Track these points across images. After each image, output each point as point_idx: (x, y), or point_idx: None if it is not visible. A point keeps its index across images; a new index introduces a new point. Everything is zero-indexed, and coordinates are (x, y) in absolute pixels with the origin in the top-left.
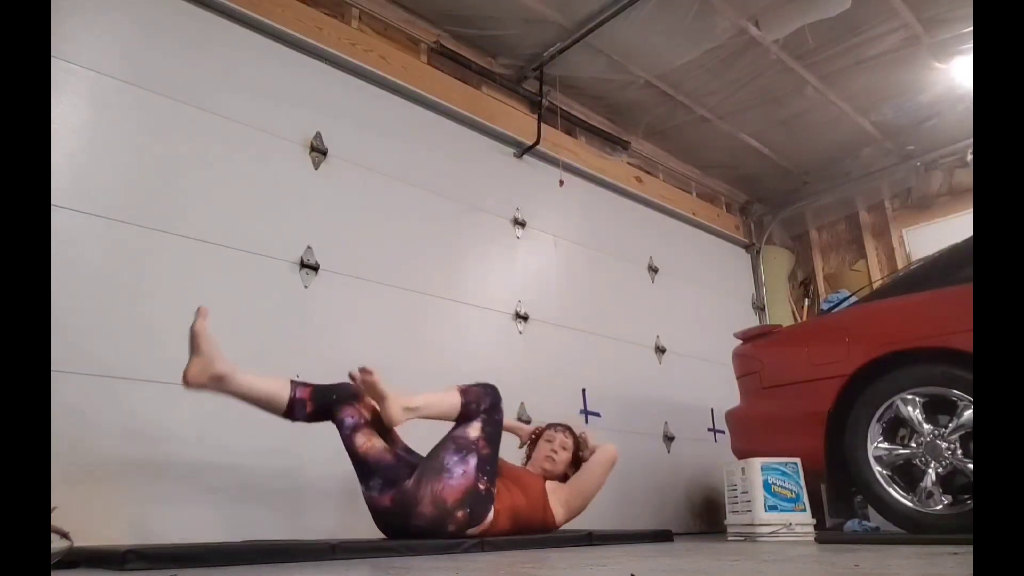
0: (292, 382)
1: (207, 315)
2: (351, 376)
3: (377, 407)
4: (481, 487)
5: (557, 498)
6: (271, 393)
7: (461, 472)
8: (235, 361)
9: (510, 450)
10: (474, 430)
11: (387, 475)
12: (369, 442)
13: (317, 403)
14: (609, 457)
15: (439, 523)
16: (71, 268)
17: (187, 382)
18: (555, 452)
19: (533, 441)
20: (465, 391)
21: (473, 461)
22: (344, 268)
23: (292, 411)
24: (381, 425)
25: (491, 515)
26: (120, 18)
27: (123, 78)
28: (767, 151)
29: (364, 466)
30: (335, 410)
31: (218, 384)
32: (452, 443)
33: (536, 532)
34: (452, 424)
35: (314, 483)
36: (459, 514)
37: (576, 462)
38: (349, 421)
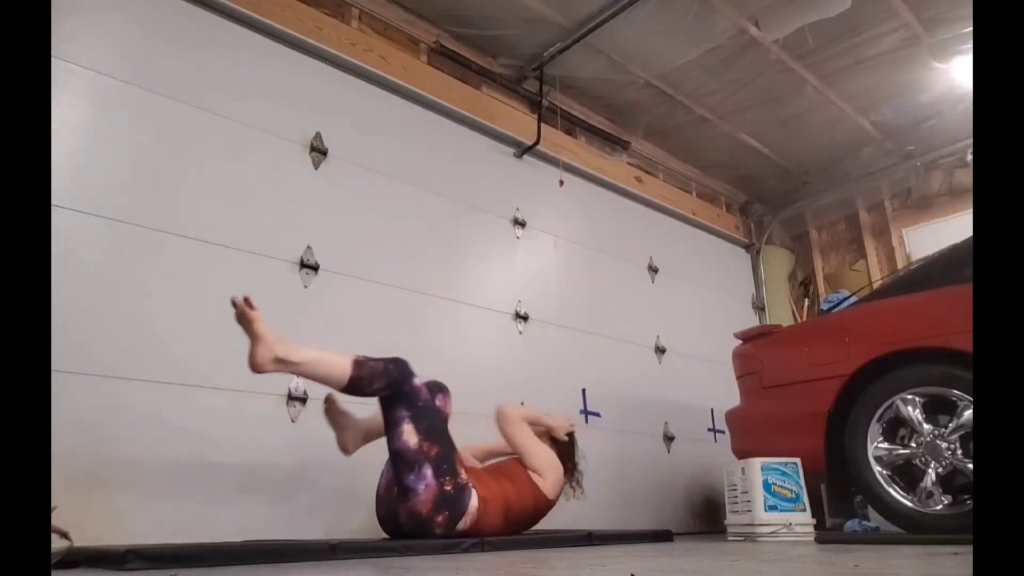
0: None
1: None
2: (233, 301)
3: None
4: (448, 488)
5: (536, 474)
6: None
7: (423, 487)
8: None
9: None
10: (410, 436)
11: (395, 461)
12: (405, 436)
13: (385, 383)
14: (497, 416)
15: (423, 529)
16: (71, 268)
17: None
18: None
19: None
20: (360, 364)
21: (428, 471)
22: (344, 268)
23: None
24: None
25: (474, 502)
26: (120, 18)
27: (123, 78)
28: (767, 151)
29: (399, 458)
30: (398, 398)
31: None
32: (401, 463)
33: (533, 513)
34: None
35: (315, 483)
36: (439, 519)
37: (556, 443)
38: (405, 413)
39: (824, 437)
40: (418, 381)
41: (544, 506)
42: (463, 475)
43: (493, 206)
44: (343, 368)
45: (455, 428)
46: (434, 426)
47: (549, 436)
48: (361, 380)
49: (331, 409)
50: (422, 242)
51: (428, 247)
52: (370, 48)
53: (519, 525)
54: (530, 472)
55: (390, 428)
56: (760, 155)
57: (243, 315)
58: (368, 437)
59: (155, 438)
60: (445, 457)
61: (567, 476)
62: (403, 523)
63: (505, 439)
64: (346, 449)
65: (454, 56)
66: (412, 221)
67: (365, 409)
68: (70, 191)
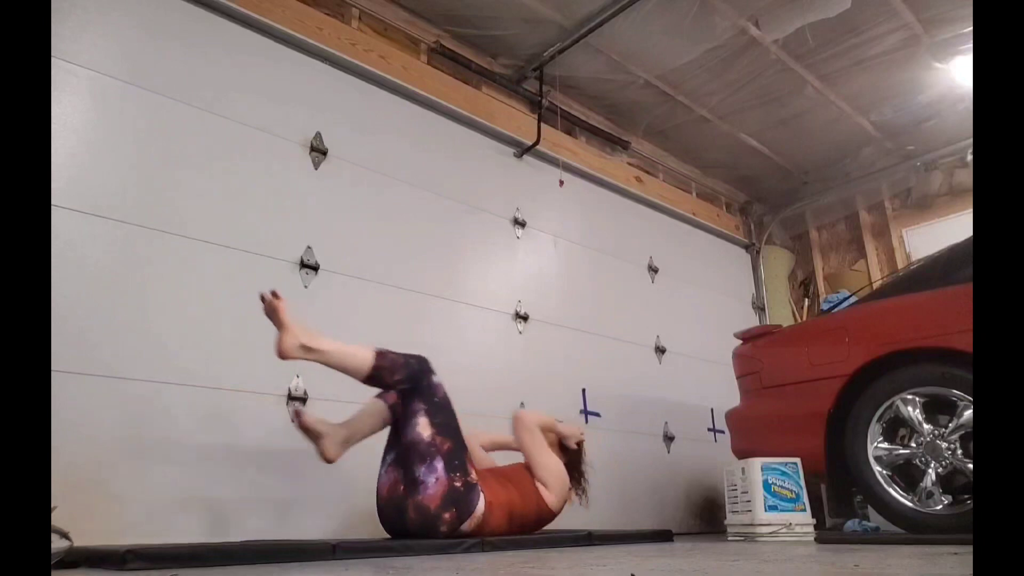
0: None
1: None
2: (261, 296)
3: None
4: (457, 484)
5: (543, 485)
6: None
7: (433, 480)
8: (236, 361)
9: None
10: (424, 428)
11: (399, 455)
12: (418, 429)
13: (400, 373)
14: (514, 423)
15: (429, 526)
16: (71, 268)
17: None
18: None
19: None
20: (382, 355)
21: (440, 464)
22: (344, 268)
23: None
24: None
25: (481, 504)
26: (120, 18)
27: (123, 78)
28: (767, 151)
29: (395, 434)
30: (418, 388)
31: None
32: (414, 454)
33: (535, 523)
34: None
35: (315, 483)
36: (446, 515)
37: (565, 451)
38: (421, 406)
39: (824, 437)
40: (436, 378)
41: (547, 517)
42: (473, 474)
43: (493, 206)
44: (365, 358)
45: None
46: (449, 423)
47: (559, 444)
48: (383, 370)
49: (303, 423)
50: (422, 242)
51: (428, 247)
52: (370, 48)
53: (521, 531)
54: (537, 483)
55: (406, 420)
56: (760, 155)
57: (271, 305)
58: (349, 441)
59: (154, 438)
60: (457, 454)
61: (573, 484)
62: (410, 519)
63: (519, 445)
64: (329, 458)
65: (454, 56)
66: (412, 221)
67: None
68: (70, 191)
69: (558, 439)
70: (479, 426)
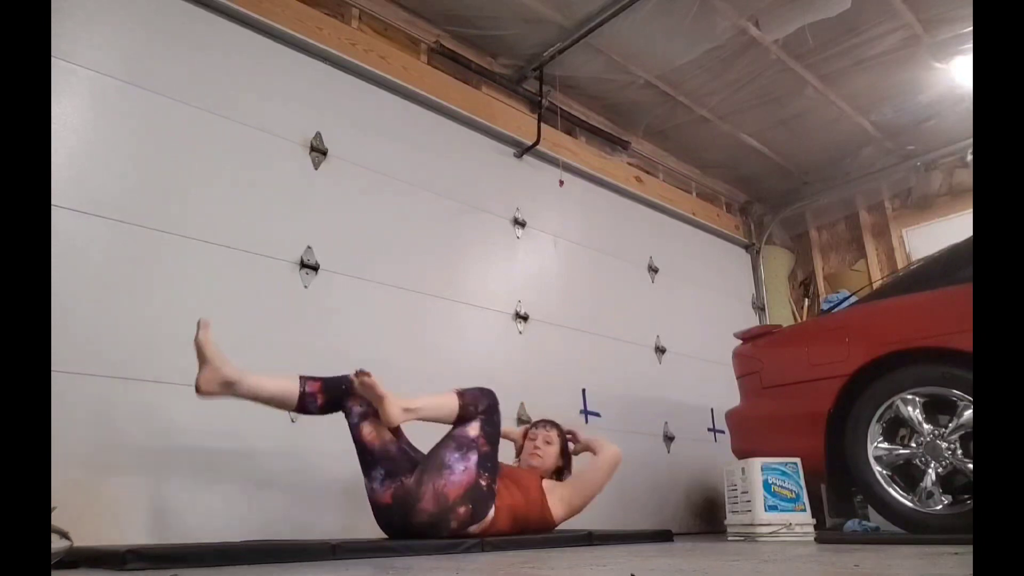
0: (301, 377)
1: (208, 326)
2: (351, 377)
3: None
4: (483, 483)
5: (557, 496)
6: (281, 391)
7: (463, 468)
8: (235, 360)
9: (507, 456)
10: (473, 429)
11: (389, 467)
12: (375, 432)
13: (327, 395)
14: (613, 459)
15: (441, 519)
16: (71, 268)
17: (200, 391)
18: (539, 448)
19: (523, 443)
20: (462, 394)
21: (474, 458)
22: (344, 268)
23: (304, 405)
24: None
25: (492, 512)
26: (120, 18)
27: (123, 78)
28: (767, 151)
29: (368, 455)
30: (344, 399)
31: (229, 389)
32: (452, 441)
33: (535, 530)
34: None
35: (315, 483)
36: (461, 510)
37: (565, 455)
38: (357, 410)
39: (824, 437)
40: (500, 414)
41: (547, 525)
42: (497, 485)
43: (493, 206)
44: (452, 405)
45: None
46: (495, 436)
47: (562, 450)
48: (467, 407)
49: (199, 338)
50: (422, 242)
51: (428, 247)
52: (370, 48)
53: (521, 530)
54: (549, 494)
55: (461, 422)
56: (760, 155)
57: (364, 384)
58: (231, 388)
59: (155, 438)
60: (493, 458)
61: (562, 460)
62: (423, 509)
63: (591, 470)
64: (200, 388)
65: (454, 56)
66: (412, 221)
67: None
68: (70, 191)
69: (563, 446)
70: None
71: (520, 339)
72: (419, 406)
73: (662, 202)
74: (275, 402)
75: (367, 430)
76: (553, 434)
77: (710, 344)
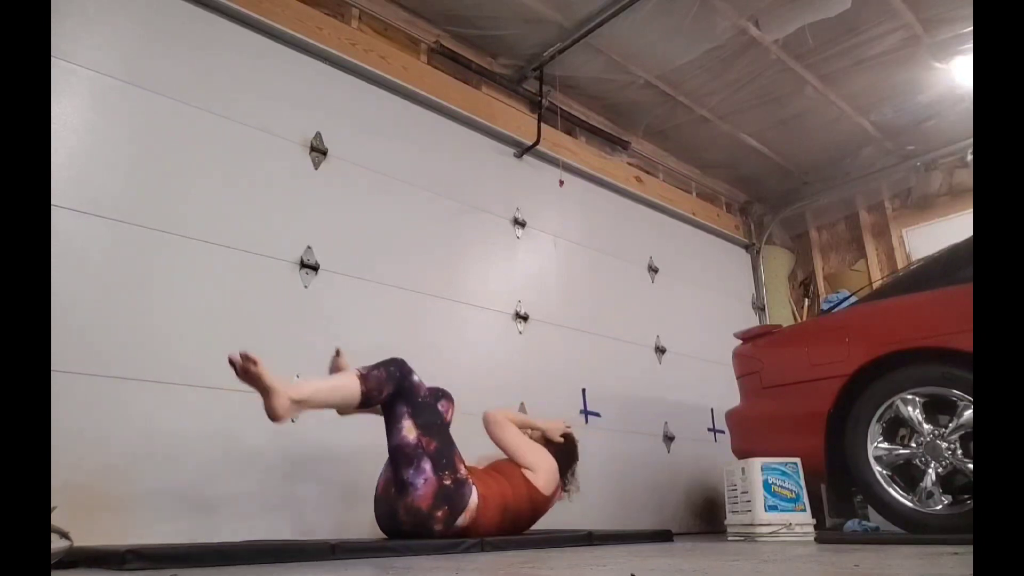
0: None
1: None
2: (231, 360)
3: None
4: (447, 482)
5: (528, 470)
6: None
7: (423, 481)
8: None
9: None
10: (409, 432)
11: (395, 455)
12: (409, 431)
13: (392, 386)
14: (486, 422)
15: (422, 526)
16: (71, 268)
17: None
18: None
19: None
20: (365, 377)
21: (428, 465)
22: (344, 268)
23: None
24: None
25: (474, 498)
26: (120, 18)
27: (123, 78)
28: (767, 151)
29: (389, 433)
30: (404, 382)
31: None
32: (401, 458)
33: (530, 512)
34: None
35: (314, 483)
36: (438, 513)
37: (551, 445)
38: (405, 408)
39: (824, 437)
40: (416, 378)
41: (541, 503)
42: (463, 470)
43: (493, 206)
44: (353, 387)
45: (456, 428)
46: (433, 422)
47: (544, 439)
48: (371, 392)
49: (249, 371)
50: (422, 242)
51: (428, 247)
52: (370, 48)
53: (517, 523)
54: (522, 469)
55: (390, 425)
56: (760, 155)
57: (247, 372)
58: (305, 404)
59: (155, 438)
60: (444, 452)
61: (563, 477)
62: (402, 520)
63: (494, 442)
64: (278, 416)
65: (454, 56)
66: (412, 221)
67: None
68: (70, 191)
69: (542, 435)
70: (478, 426)
71: (520, 339)
72: (310, 395)
73: (662, 202)
74: (342, 406)
75: (407, 425)
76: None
77: (710, 344)
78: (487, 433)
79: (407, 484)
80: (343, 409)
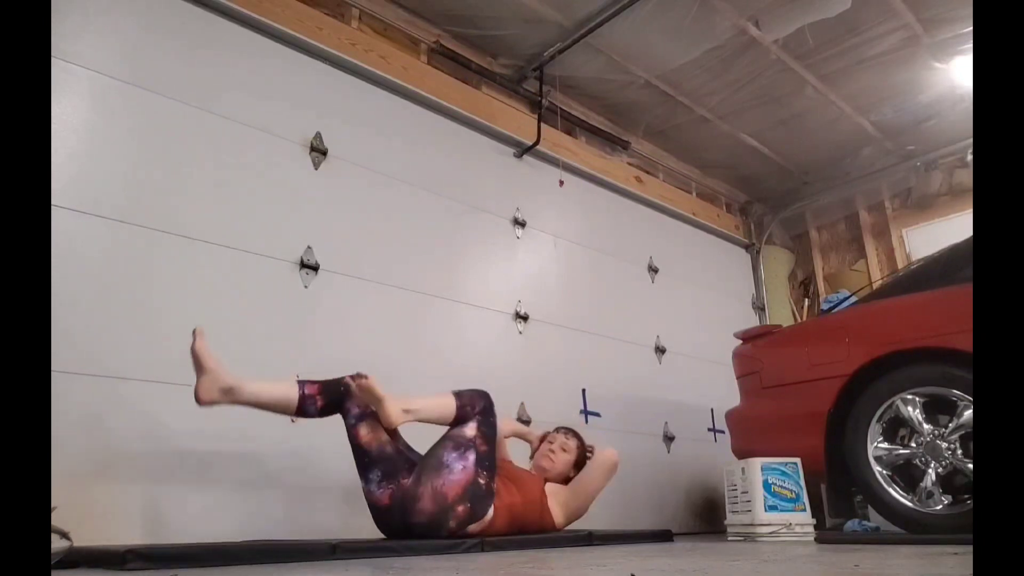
0: (299, 382)
1: (204, 334)
2: (356, 381)
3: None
4: (481, 481)
5: (556, 500)
6: (281, 396)
7: (461, 467)
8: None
9: (519, 457)
10: (470, 429)
11: (386, 468)
12: (372, 433)
13: (326, 397)
14: (608, 461)
15: (440, 519)
16: (71, 268)
17: (199, 400)
18: (553, 452)
19: (539, 445)
20: (459, 395)
21: (472, 457)
22: (344, 268)
23: (304, 409)
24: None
25: (491, 512)
26: (120, 18)
27: (123, 78)
28: (767, 151)
29: (365, 457)
30: (343, 401)
31: (229, 396)
32: (450, 441)
33: (533, 532)
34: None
35: (315, 483)
36: (460, 508)
37: (580, 466)
38: (355, 412)
39: (824, 437)
40: (496, 415)
41: (547, 529)
42: (495, 484)
43: (493, 206)
44: (449, 406)
45: None
46: (493, 436)
47: (580, 457)
48: (465, 408)
49: (195, 347)
50: (422, 242)
51: (428, 247)
52: (370, 48)
53: (519, 531)
54: (551, 497)
55: (458, 422)
56: (760, 155)
57: (367, 390)
58: (232, 395)
59: (155, 438)
60: (490, 457)
61: (575, 471)
62: (421, 509)
63: (586, 473)
64: (200, 397)
65: (454, 56)
66: (412, 221)
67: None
68: (70, 191)
69: (580, 456)
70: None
71: (520, 339)
72: (418, 407)
73: (662, 202)
74: (275, 407)
75: (364, 432)
76: (572, 444)
77: (710, 344)
78: (600, 465)
79: (445, 465)
80: (441, 422)
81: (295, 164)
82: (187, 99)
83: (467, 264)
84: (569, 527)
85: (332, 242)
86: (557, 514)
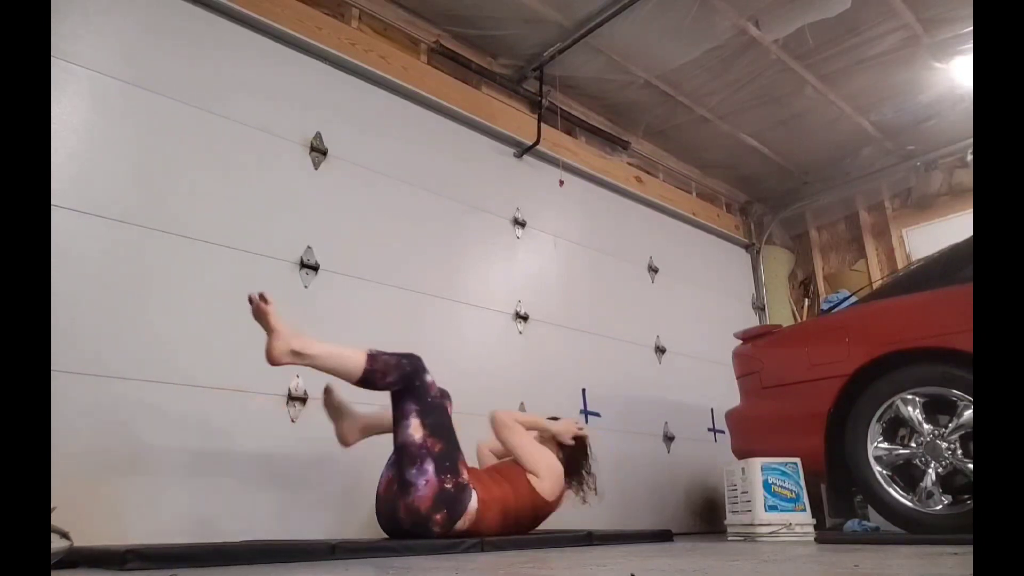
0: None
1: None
2: (249, 298)
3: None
4: (448, 486)
5: (532, 475)
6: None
7: (424, 483)
8: (237, 362)
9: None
10: (415, 431)
11: (399, 453)
12: (420, 431)
13: (398, 379)
14: (494, 423)
15: (420, 528)
16: (71, 268)
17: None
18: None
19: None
20: (374, 357)
21: (430, 466)
22: (344, 268)
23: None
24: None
25: (474, 503)
26: (120, 18)
27: (123, 78)
28: (767, 151)
29: (399, 445)
30: (414, 381)
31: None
32: (405, 457)
33: (532, 516)
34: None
35: (315, 483)
36: (437, 516)
37: (562, 448)
38: (413, 407)
39: (824, 437)
40: (429, 377)
41: (543, 508)
42: (464, 475)
43: (493, 206)
44: (357, 361)
45: (455, 427)
46: (441, 423)
47: (555, 442)
48: (374, 373)
49: (329, 400)
50: (422, 242)
51: (428, 247)
52: (370, 48)
53: (518, 527)
54: (527, 474)
55: (398, 421)
56: (760, 155)
57: (259, 310)
58: (368, 431)
59: (155, 439)
60: (448, 455)
61: (574, 480)
62: (401, 520)
63: (501, 443)
64: (345, 440)
65: (454, 56)
66: (412, 221)
67: (374, 402)
68: (70, 191)
69: (552, 437)
70: (478, 426)
71: (520, 339)
72: (314, 353)
73: (662, 202)
74: (338, 373)
75: (414, 424)
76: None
77: (710, 344)
78: (494, 434)
79: (409, 484)
80: (344, 378)
81: (295, 164)
82: (187, 99)
83: (467, 264)
84: (569, 527)
85: (332, 242)
86: (540, 486)
